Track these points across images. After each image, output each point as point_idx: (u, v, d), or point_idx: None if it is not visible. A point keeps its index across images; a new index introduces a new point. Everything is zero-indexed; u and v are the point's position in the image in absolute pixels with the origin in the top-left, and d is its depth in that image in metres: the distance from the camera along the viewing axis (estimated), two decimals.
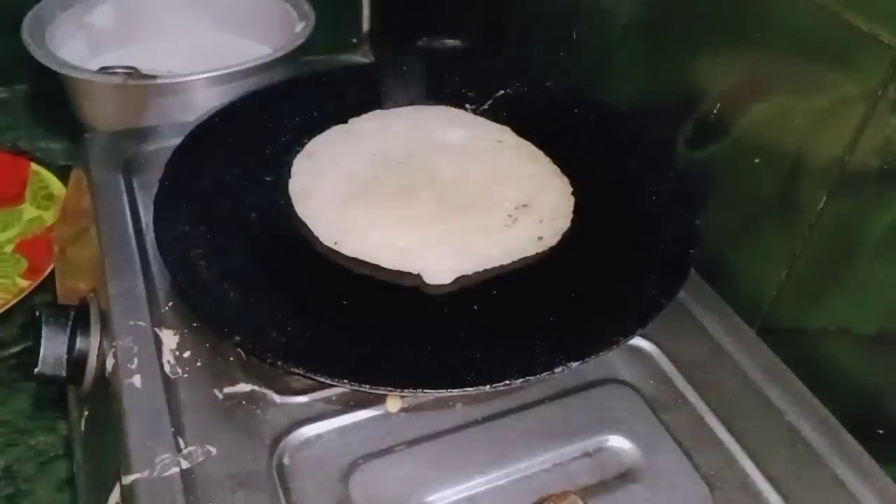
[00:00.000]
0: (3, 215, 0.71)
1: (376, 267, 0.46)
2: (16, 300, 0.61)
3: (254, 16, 0.87)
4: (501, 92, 0.61)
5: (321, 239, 0.48)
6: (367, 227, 0.48)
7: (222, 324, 0.40)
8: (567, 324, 0.43)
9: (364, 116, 0.59)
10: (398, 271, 0.46)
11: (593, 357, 0.40)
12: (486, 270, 0.47)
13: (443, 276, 0.46)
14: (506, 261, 0.47)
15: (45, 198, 0.73)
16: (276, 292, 0.45)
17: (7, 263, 0.66)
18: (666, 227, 0.49)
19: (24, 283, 0.63)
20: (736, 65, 0.51)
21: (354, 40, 1.01)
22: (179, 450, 0.38)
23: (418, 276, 0.46)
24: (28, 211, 0.72)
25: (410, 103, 0.61)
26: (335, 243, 0.48)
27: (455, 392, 0.39)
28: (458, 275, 0.46)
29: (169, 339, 0.44)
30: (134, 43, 0.84)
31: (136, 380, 0.41)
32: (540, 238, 0.49)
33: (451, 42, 0.79)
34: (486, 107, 0.61)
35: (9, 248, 0.68)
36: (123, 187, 0.54)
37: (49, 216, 0.70)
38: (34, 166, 0.75)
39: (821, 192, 0.45)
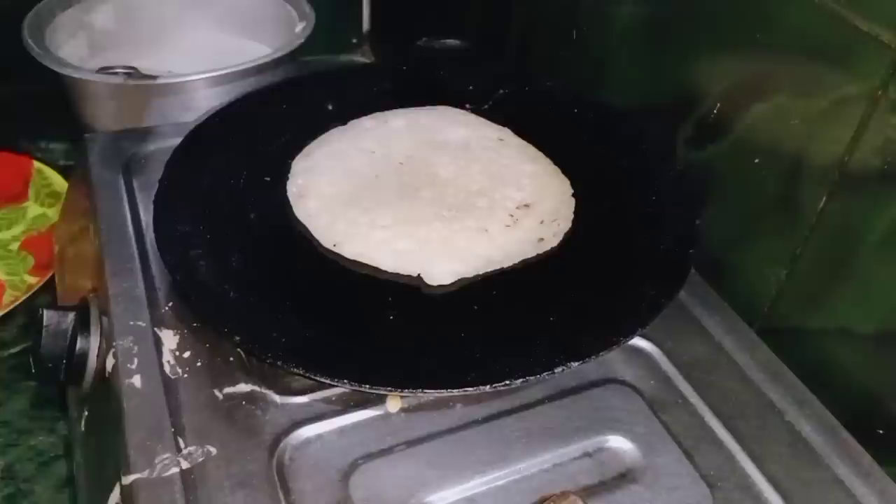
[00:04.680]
0: (8, 213, 0.71)
1: (376, 268, 0.46)
2: (25, 296, 0.61)
3: (254, 16, 0.87)
4: (501, 92, 0.61)
5: (320, 241, 0.48)
6: (366, 229, 0.48)
7: (222, 324, 0.40)
8: (567, 324, 0.43)
9: (364, 116, 0.59)
10: (398, 273, 0.46)
11: (593, 357, 0.40)
12: (486, 272, 0.47)
13: (443, 278, 0.46)
14: (506, 263, 0.47)
15: (48, 195, 0.73)
16: (276, 292, 0.45)
17: (14, 261, 0.67)
18: (666, 227, 0.49)
19: (32, 280, 0.63)
20: (736, 65, 0.51)
21: (354, 40, 1.01)
22: (179, 450, 0.38)
23: (419, 277, 0.46)
24: (32, 208, 0.72)
25: (410, 103, 0.61)
26: (334, 245, 0.48)
27: (455, 392, 0.39)
28: (459, 277, 0.46)
29: (169, 339, 0.44)
30: (134, 43, 0.84)
31: (136, 380, 0.41)
32: (541, 239, 0.49)
33: (451, 42, 0.79)
34: (486, 107, 0.61)
35: (14, 246, 0.68)
36: (123, 187, 0.54)
37: (53, 213, 0.71)
38: (37, 164, 0.75)
39: (821, 192, 0.45)
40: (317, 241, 0.48)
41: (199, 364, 0.43)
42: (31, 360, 0.45)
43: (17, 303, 0.61)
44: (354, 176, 0.53)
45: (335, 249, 0.47)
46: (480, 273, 0.47)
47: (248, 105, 0.58)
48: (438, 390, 0.39)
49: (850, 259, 0.44)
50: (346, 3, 0.99)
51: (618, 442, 0.41)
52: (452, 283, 0.46)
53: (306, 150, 0.55)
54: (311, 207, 0.50)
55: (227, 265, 0.45)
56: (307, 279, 0.46)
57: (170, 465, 0.37)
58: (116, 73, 0.71)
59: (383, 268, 0.46)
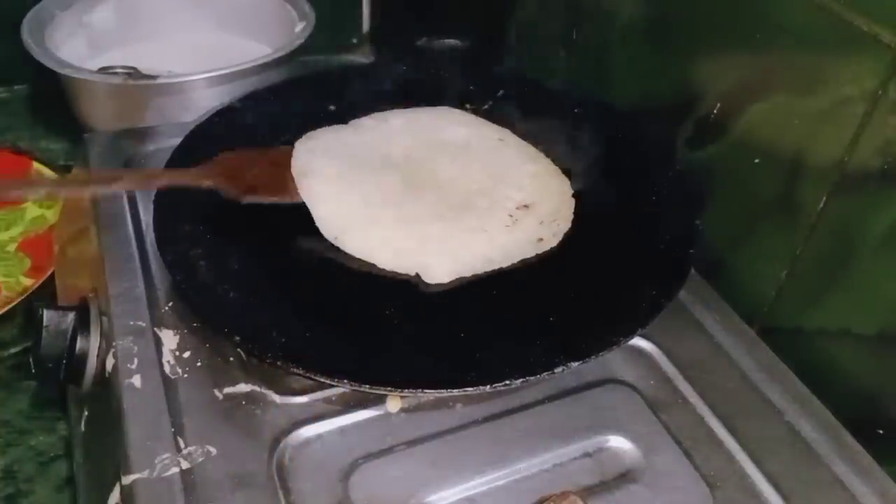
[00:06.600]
0: (6, 214, 0.71)
1: (376, 266, 0.46)
2: (20, 299, 0.61)
3: (254, 16, 0.87)
4: (502, 92, 0.61)
5: (322, 232, 0.48)
6: (367, 224, 0.48)
7: (222, 324, 0.40)
8: (567, 324, 0.43)
9: (364, 116, 0.59)
10: (396, 271, 0.46)
11: (593, 357, 0.40)
12: (485, 272, 0.47)
13: (441, 277, 0.46)
14: (506, 263, 0.47)
15: (47, 196, 0.73)
16: (276, 292, 0.45)
17: (11, 262, 0.66)
18: (666, 227, 0.49)
19: (28, 282, 0.63)
20: (736, 65, 0.51)
21: (354, 40, 1.01)
22: (179, 450, 0.38)
23: (418, 276, 0.46)
24: (30, 210, 0.72)
25: (411, 103, 0.61)
26: (335, 238, 0.48)
27: (455, 392, 0.39)
28: (457, 276, 0.46)
29: (169, 339, 0.44)
30: (134, 43, 0.84)
31: (136, 380, 0.41)
32: (540, 239, 0.49)
33: (451, 42, 0.79)
34: (486, 107, 0.61)
35: (12, 247, 0.68)
36: None
37: (51, 215, 0.70)
38: (36, 165, 0.75)
39: (821, 192, 0.45)
40: (317, 241, 0.48)
41: (199, 364, 0.43)
42: (31, 360, 0.45)
43: (12, 304, 0.61)
44: (354, 175, 0.53)
45: (335, 243, 0.47)
46: (479, 273, 0.47)
47: (248, 105, 0.58)
48: (438, 390, 0.39)
49: (850, 259, 0.44)
50: (346, 3, 0.99)
51: (618, 442, 0.41)
52: (451, 283, 0.46)
53: (306, 136, 0.55)
54: (313, 186, 0.50)
55: (227, 265, 0.45)
56: (307, 279, 0.46)
57: (170, 465, 0.37)
58: (116, 73, 0.71)
59: (381, 265, 0.46)
